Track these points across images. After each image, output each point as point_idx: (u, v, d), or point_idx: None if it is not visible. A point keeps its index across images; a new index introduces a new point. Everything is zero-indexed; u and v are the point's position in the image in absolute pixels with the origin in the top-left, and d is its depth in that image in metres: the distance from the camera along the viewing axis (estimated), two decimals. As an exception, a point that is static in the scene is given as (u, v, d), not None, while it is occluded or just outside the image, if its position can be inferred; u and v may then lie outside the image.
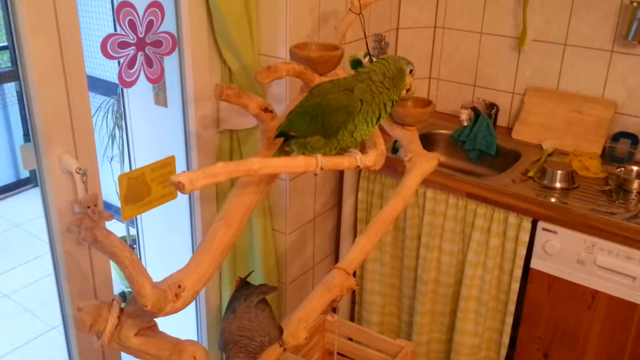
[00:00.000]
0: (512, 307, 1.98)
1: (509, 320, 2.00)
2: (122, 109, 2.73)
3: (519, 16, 2.25)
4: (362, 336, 1.93)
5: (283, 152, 1.25)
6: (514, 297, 1.96)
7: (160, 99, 2.10)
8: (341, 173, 2.28)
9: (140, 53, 1.74)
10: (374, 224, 1.47)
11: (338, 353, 1.89)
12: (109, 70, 3.21)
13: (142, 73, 1.78)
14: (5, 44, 3.75)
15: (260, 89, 1.95)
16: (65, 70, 1.52)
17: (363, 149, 1.28)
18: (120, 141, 3.03)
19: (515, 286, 1.94)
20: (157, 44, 1.77)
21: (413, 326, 2.20)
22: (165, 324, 1.31)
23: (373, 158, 1.16)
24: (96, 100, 3.15)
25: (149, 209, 1.84)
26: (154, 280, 1.10)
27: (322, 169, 1.08)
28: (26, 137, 1.60)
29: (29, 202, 3.89)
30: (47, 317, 2.81)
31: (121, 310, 1.23)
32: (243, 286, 1.39)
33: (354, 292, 2.36)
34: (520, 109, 2.31)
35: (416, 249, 2.15)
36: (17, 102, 3.84)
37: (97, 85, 3.26)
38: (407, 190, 1.50)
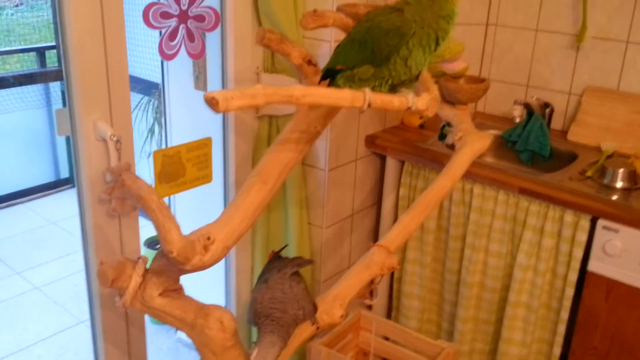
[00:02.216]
0: (565, 315, 1.82)
1: (561, 329, 1.84)
2: (162, 103, 2.72)
3: (578, 11, 2.15)
4: (400, 335, 1.81)
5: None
6: (567, 304, 1.81)
7: (200, 82, 2.06)
8: (382, 168, 2.19)
9: (182, 25, 1.70)
10: (419, 203, 1.37)
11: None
12: (148, 69, 3.23)
13: (182, 47, 1.74)
14: (53, 43, 3.84)
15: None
16: (105, 33, 1.49)
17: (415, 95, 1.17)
18: (159, 137, 3.03)
19: (570, 292, 1.79)
20: (200, 18, 1.74)
21: (454, 334, 2.06)
22: (192, 290, 1.23)
23: (426, 101, 1.06)
24: (134, 98, 3.17)
25: (182, 190, 1.79)
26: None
27: (369, 105, 0.99)
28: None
29: (67, 201, 3.92)
30: (75, 311, 2.78)
31: (146, 270, 1.16)
32: (276, 259, 1.31)
33: (390, 296, 2.24)
34: (577, 110, 2.19)
35: (460, 250, 2.02)
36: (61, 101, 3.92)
37: (137, 83, 3.29)
38: (456, 170, 1.40)
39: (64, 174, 4.10)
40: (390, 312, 2.25)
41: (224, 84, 1.94)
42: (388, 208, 2.19)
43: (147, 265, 1.17)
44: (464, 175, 1.81)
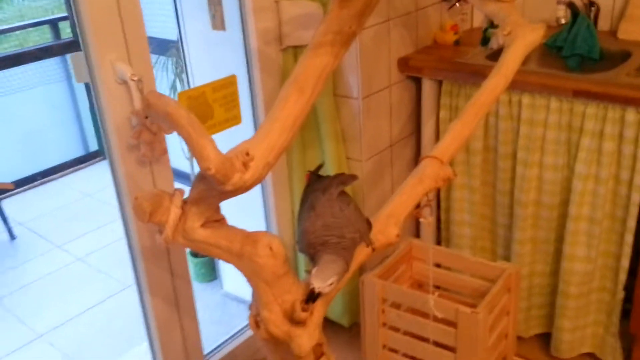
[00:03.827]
0: (632, 224, 1.69)
1: (629, 239, 1.71)
2: (182, 55, 2.62)
3: None
4: (455, 262, 1.71)
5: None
6: (634, 210, 1.67)
7: (217, 21, 1.95)
8: (418, 92, 2.06)
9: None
10: (471, 106, 1.25)
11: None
12: (162, 28, 3.12)
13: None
14: (65, 14, 3.75)
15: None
16: (113, -32, 1.39)
17: None
18: (183, 93, 2.93)
19: (637, 197, 1.65)
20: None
21: (511, 258, 1.94)
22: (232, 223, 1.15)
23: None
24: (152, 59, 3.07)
25: (212, 134, 1.69)
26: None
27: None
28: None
29: (100, 173, 3.90)
30: (120, 278, 2.76)
31: (184, 202, 1.07)
32: (316, 180, 1.19)
33: (439, 225, 2.14)
34: (626, 4, 2.00)
35: (511, 169, 1.89)
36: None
37: (152, 43, 3.18)
38: (509, 66, 1.27)
39: (93, 147, 4.07)
40: (440, 243, 2.15)
41: (242, 18, 1.82)
42: (429, 134, 2.06)
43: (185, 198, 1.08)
44: (511, 86, 1.67)
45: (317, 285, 0.99)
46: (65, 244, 3.11)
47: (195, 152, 0.89)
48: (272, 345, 1.09)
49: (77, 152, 4.04)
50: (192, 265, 2.53)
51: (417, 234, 2.19)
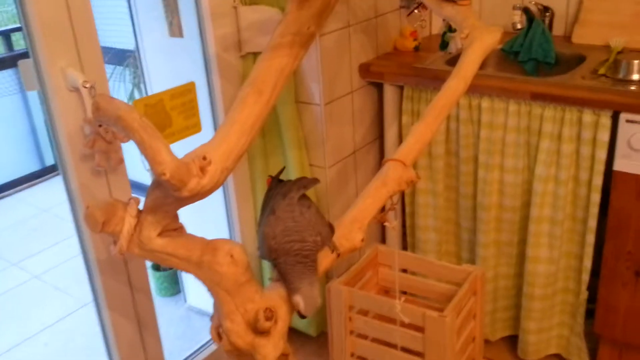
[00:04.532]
0: (593, 224, 1.71)
1: (590, 239, 1.73)
2: (139, 63, 2.56)
3: None
4: (421, 266, 1.70)
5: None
6: (594, 210, 1.69)
7: (175, 28, 1.91)
8: (380, 98, 2.06)
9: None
10: (432, 108, 1.24)
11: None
12: (118, 37, 3.05)
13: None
14: (18, 25, 3.64)
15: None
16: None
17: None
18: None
19: (596, 197, 1.68)
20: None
21: (476, 262, 1.94)
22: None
23: None
24: (108, 69, 3.00)
25: (171, 143, 1.65)
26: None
27: None
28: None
29: (56, 188, 3.78)
30: (78, 295, 2.66)
31: (139, 211, 1.03)
32: (277, 184, 1.16)
33: (404, 231, 2.13)
34: (579, 10, 2.04)
35: (473, 173, 1.90)
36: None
37: (109, 53, 3.11)
38: (467, 68, 1.27)
39: (49, 161, 3.94)
40: (406, 249, 2.13)
41: (200, 24, 1.78)
42: (391, 140, 2.06)
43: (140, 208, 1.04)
44: (470, 90, 1.68)
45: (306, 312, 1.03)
46: (21, 261, 2.99)
47: (148, 156, 0.85)
48: (236, 357, 1.05)
49: (33, 166, 3.91)
50: (154, 279, 2.46)
51: (383, 240, 2.17)
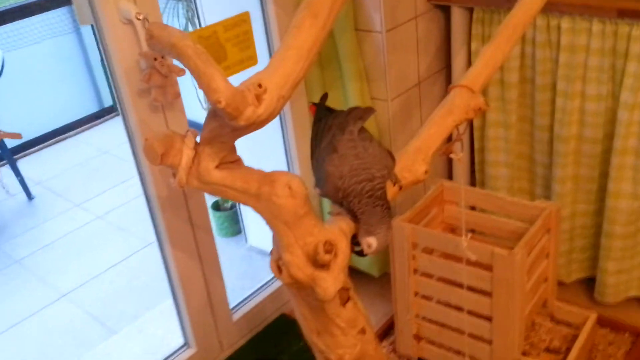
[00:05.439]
0: (685, 155, 1.64)
1: (681, 172, 1.66)
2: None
3: None
4: (490, 202, 1.68)
5: None
6: (687, 140, 1.62)
7: (228, -45, 1.90)
8: (447, 24, 2.00)
9: None
10: (505, 28, 1.20)
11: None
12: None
13: None
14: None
15: None
16: None
17: None
18: (195, 40, 2.90)
19: (689, 125, 1.60)
20: None
21: (552, 199, 1.90)
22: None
23: None
24: (161, 3, 3.03)
25: (228, 76, 1.67)
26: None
27: None
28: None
29: (115, 130, 3.93)
30: (142, 234, 2.81)
31: (197, 143, 1.06)
32: (326, 114, 1.15)
33: (472, 168, 2.10)
34: None
35: (550, 102, 1.83)
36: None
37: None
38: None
39: (107, 102, 4.09)
40: (475, 185, 2.11)
41: (254, -52, 1.77)
42: (459, 69, 2.00)
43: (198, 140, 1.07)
44: (548, 8, 1.61)
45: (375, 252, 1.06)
46: (84, 202, 3.17)
47: (203, 84, 0.87)
48: (296, 290, 1.09)
49: (92, 108, 4.06)
50: (214, 219, 2.56)
51: (450, 176, 2.16)
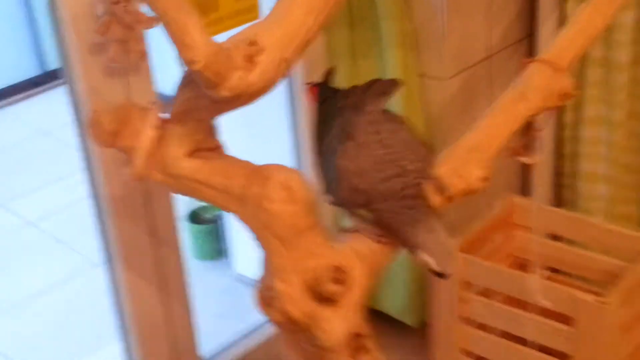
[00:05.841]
0: None
1: None
2: None
3: None
4: (579, 230, 1.72)
5: None
6: None
7: None
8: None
9: None
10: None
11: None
12: None
13: None
14: None
15: None
16: None
17: None
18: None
19: None
20: None
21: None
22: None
23: None
24: None
25: (219, 32, 1.72)
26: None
27: None
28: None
29: (60, 102, 3.98)
30: (86, 250, 2.83)
31: (163, 121, 1.09)
32: (332, 94, 1.18)
33: (558, 182, 2.12)
34: None
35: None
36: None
37: None
38: None
39: (52, 64, 4.15)
40: (560, 206, 2.14)
41: None
42: (547, 40, 2.03)
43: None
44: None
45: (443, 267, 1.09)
46: (9, 201, 3.20)
47: (174, 37, 0.89)
48: (289, 333, 1.11)
49: (30, 71, 4.14)
50: (190, 234, 2.59)
51: (524, 191, 2.17)
